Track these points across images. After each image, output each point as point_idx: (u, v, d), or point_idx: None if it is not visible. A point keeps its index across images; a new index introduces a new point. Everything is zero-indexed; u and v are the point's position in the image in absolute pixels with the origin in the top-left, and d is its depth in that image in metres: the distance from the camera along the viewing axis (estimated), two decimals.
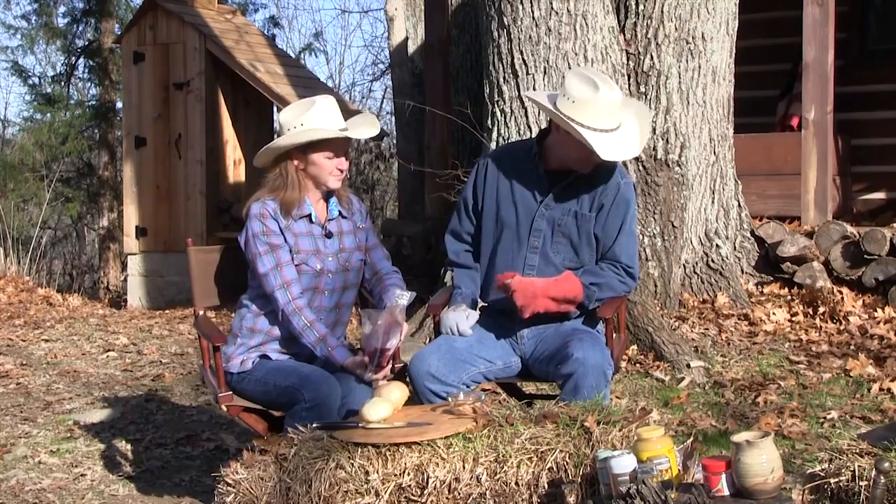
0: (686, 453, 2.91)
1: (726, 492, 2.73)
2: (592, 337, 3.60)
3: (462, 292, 3.75)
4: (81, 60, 15.09)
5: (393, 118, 11.76)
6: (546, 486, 2.89)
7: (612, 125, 3.51)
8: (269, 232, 3.63)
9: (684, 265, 6.42)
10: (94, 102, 15.30)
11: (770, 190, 7.27)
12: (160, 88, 9.33)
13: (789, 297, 6.45)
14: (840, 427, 4.51)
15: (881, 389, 5.01)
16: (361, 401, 3.26)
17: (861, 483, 2.89)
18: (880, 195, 8.65)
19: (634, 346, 5.58)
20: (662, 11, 6.31)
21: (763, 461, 2.69)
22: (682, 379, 5.27)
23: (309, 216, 3.70)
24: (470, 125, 6.98)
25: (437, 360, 3.54)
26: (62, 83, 15.24)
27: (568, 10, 5.95)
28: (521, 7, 5.96)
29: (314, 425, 3.15)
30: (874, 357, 5.44)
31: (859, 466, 2.92)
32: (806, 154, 7.12)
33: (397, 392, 3.27)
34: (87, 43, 14.93)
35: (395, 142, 12.90)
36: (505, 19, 6.01)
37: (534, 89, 5.90)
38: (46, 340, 7.13)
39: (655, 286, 6.11)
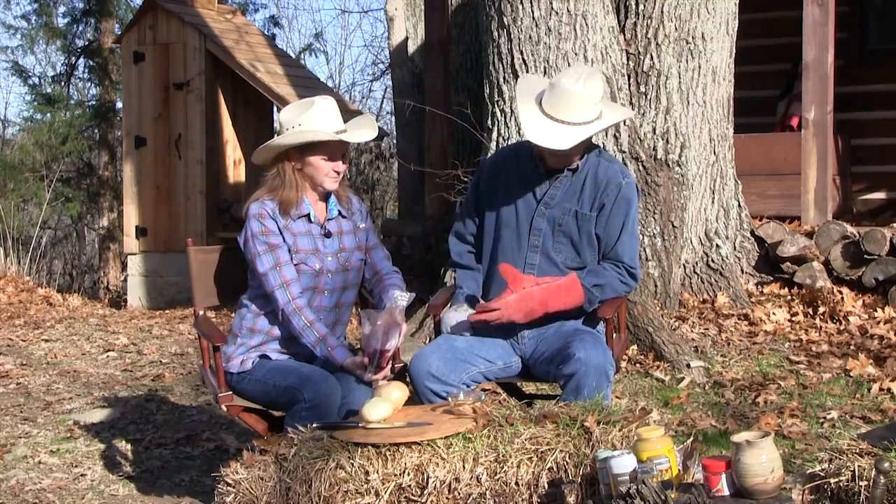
0: (686, 453, 2.91)
1: (726, 492, 2.73)
2: (594, 337, 3.60)
3: (463, 292, 3.75)
4: (81, 60, 15.09)
5: (393, 118, 11.75)
6: (546, 486, 2.89)
7: (571, 118, 3.49)
8: (268, 232, 3.63)
9: (684, 265, 6.42)
10: (94, 102, 15.29)
11: (770, 190, 7.27)
12: (160, 88, 9.32)
13: (789, 297, 6.44)
14: (840, 427, 4.50)
15: (881, 389, 5.01)
16: (361, 401, 3.26)
17: (861, 483, 2.89)
18: (880, 195, 8.65)
19: (634, 346, 5.58)
20: (662, 11, 6.32)
21: (763, 461, 2.69)
22: (682, 379, 5.27)
23: (308, 216, 3.70)
24: (470, 125, 6.98)
25: (438, 359, 3.54)
26: (62, 83, 15.23)
27: (568, 10, 5.95)
28: (521, 7, 5.96)
29: (314, 425, 3.15)
30: (874, 357, 5.44)
31: (859, 466, 2.92)
32: (806, 154, 7.12)
33: (397, 392, 3.27)
34: (87, 43, 14.92)
35: (395, 142, 12.88)
36: (505, 19, 6.01)
37: None
38: (46, 340, 7.13)
39: (655, 286, 6.11)
